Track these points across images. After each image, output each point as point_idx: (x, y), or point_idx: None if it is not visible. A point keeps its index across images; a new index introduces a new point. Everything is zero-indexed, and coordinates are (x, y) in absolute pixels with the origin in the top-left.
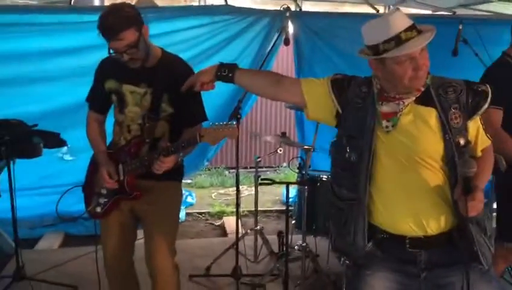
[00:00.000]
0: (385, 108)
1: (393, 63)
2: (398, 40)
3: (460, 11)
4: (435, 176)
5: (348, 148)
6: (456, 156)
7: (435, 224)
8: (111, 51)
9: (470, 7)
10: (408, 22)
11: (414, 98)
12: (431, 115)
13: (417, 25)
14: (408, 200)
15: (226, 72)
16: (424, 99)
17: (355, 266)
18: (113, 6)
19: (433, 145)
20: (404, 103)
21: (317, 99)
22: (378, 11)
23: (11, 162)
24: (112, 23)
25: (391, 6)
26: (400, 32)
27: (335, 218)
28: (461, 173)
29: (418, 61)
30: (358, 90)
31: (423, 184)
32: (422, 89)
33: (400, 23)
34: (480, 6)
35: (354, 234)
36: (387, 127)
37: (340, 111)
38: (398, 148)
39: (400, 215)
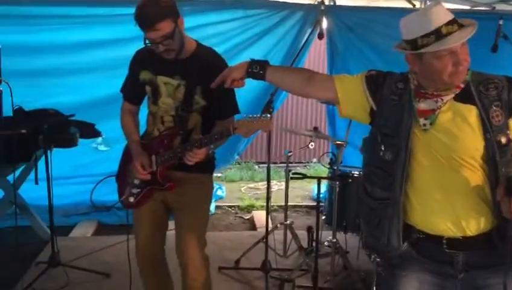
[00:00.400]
0: (422, 105)
1: (432, 57)
2: (438, 34)
3: (500, 7)
4: (475, 175)
5: (382, 146)
6: (497, 155)
7: (474, 225)
8: (147, 42)
9: (510, 3)
10: (449, 16)
11: (453, 95)
12: (471, 112)
13: (458, 19)
14: (446, 200)
15: (257, 69)
16: (464, 97)
17: (389, 265)
18: None
19: (473, 144)
20: (442, 100)
21: (351, 96)
22: (414, 5)
23: (48, 151)
24: (148, 13)
25: (427, 1)
26: (441, 26)
27: (367, 217)
28: (504, 173)
29: (458, 56)
30: (394, 86)
31: (462, 184)
32: (462, 86)
33: (440, 16)
34: None
35: (389, 235)
36: (424, 125)
37: (374, 108)
38: (437, 146)
39: (438, 215)
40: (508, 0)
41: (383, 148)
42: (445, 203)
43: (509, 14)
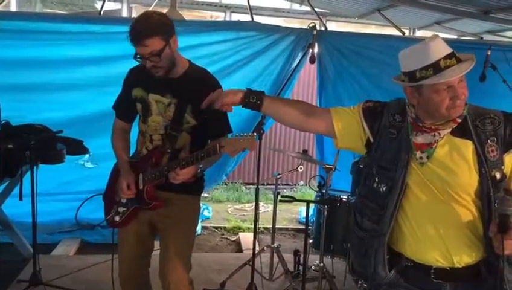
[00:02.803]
0: (419, 139)
1: (430, 91)
2: (436, 68)
3: (487, 37)
4: (468, 209)
5: (377, 178)
6: (491, 191)
7: (463, 258)
8: (138, 56)
9: (497, 34)
10: (448, 50)
11: (450, 130)
12: (467, 147)
13: (456, 53)
14: (438, 233)
15: (254, 99)
16: (461, 131)
17: None
18: (145, 13)
19: (468, 178)
20: (440, 134)
21: (348, 129)
22: (404, 33)
23: (34, 167)
24: (139, 28)
25: (416, 29)
26: (439, 60)
27: (355, 246)
28: (498, 210)
29: (456, 90)
30: (392, 119)
31: (455, 217)
32: (459, 120)
33: (439, 50)
34: (508, 33)
35: (375, 265)
36: (421, 158)
37: (371, 140)
38: (433, 180)
39: (428, 246)
40: (495, 32)
41: (377, 180)
42: (437, 235)
43: (496, 44)
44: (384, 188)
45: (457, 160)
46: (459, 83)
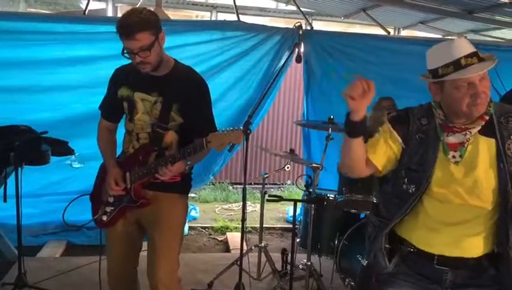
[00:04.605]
0: (452, 139)
1: (452, 87)
2: (457, 65)
3: (471, 37)
4: (484, 204)
5: (406, 179)
6: (509, 185)
7: (472, 250)
8: (125, 52)
9: (481, 33)
10: (470, 49)
11: (479, 128)
12: (491, 144)
13: (480, 53)
14: (451, 225)
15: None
16: (487, 129)
17: (377, 281)
18: (135, 8)
19: (488, 174)
20: (471, 132)
21: (381, 153)
22: (389, 32)
23: (19, 169)
24: (130, 22)
25: (401, 29)
26: (460, 58)
27: (369, 233)
28: None
29: (477, 88)
30: (419, 123)
31: (471, 211)
32: (487, 118)
33: (461, 49)
34: (491, 33)
35: (375, 252)
36: (454, 157)
37: (403, 146)
38: (456, 176)
39: (439, 237)
40: (479, 31)
41: (406, 182)
42: (450, 228)
43: (481, 43)
44: (413, 189)
45: (480, 157)
46: (481, 82)
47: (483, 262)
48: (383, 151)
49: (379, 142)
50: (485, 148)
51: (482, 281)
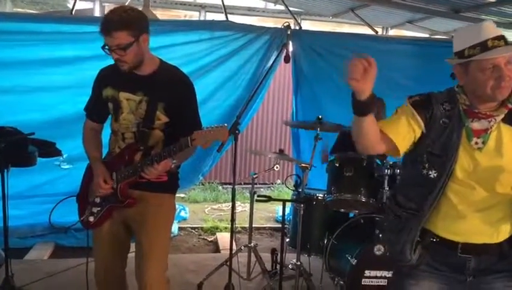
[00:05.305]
0: (476, 125)
1: (477, 69)
2: (484, 46)
3: None
4: (508, 190)
5: (427, 165)
6: None
7: (497, 235)
8: (106, 47)
9: None
10: (498, 32)
11: (503, 116)
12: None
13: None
14: (478, 212)
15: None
16: (509, 118)
17: (399, 274)
18: (122, 6)
19: (511, 161)
20: (496, 119)
21: (403, 133)
22: (377, 32)
23: (5, 171)
24: (110, 19)
25: (389, 28)
26: (487, 40)
27: (390, 224)
28: None
29: (502, 71)
30: (442, 108)
31: (496, 198)
32: (510, 106)
33: (488, 31)
34: None
35: (404, 243)
36: (476, 143)
37: (424, 131)
38: (480, 164)
39: (465, 225)
40: None
41: (426, 167)
42: (477, 215)
43: None
44: (435, 174)
45: (504, 144)
46: (507, 66)
47: (504, 247)
48: (405, 132)
49: (401, 121)
50: (507, 136)
51: (502, 266)
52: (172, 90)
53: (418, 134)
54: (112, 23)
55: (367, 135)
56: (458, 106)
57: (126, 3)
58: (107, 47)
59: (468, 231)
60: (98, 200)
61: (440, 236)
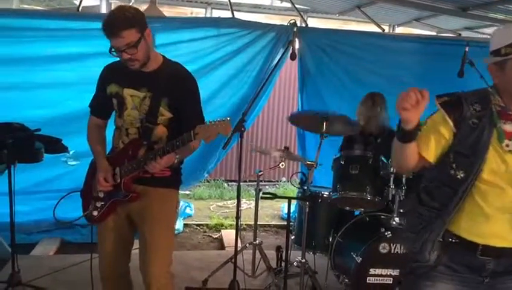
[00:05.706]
0: (508, 127)
1: None
2: None
3: (465, 34)
4: None
5: (454, 165)
6: None
7: None
8: (113, 50)
9: (475, 30)
10: None
11: None
12: None
13: None
14: (500, 214)
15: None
16: None
17: (414, 275)
18: (119, 6)
19: None
20: None
21: (434, 148)
22: (383, 30)
23: (12, 166)
24: (114, 21)
25: (395, 26)
26: None
27: (412, 222)
28: None
29: None
30: (472, 109)
31: None
32: None
33: None
34: (485, 30)
35: (424, 243)
36: (508, 146)
37: (455, 131)
38: (508, 166)
39: (489, 227)
40: (473, 28)
41: (454, 167)
42: (500, 216)
43: (474, 41)
44: (462, 175)
45: None
46: None
47: None
48: (435, 145)
49: (429, 138)
50: None
51: None
52: (175, 86)
53: (450, 137)
54: (118, 23)
55: (409, 160)
56: (491, 106)
57: (132, 0)
58: (113, 50)
59: (491, 233)
60: (101, 194)
61: (461, 237)
